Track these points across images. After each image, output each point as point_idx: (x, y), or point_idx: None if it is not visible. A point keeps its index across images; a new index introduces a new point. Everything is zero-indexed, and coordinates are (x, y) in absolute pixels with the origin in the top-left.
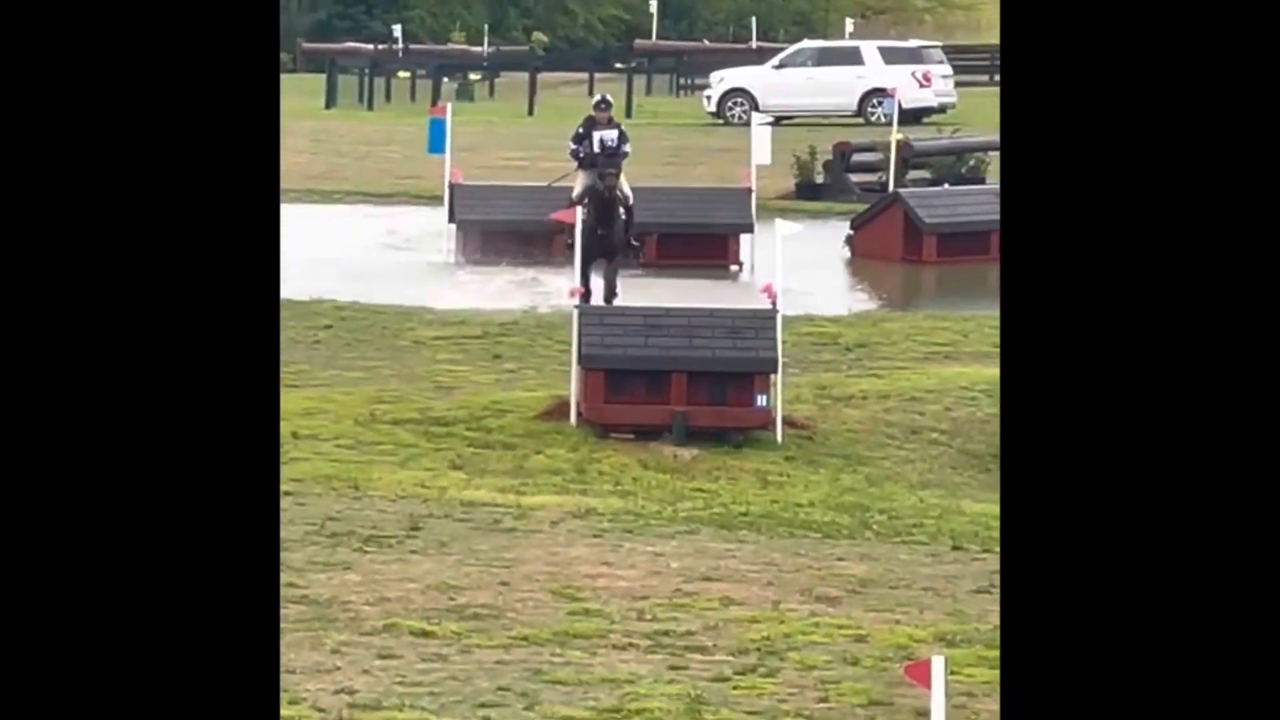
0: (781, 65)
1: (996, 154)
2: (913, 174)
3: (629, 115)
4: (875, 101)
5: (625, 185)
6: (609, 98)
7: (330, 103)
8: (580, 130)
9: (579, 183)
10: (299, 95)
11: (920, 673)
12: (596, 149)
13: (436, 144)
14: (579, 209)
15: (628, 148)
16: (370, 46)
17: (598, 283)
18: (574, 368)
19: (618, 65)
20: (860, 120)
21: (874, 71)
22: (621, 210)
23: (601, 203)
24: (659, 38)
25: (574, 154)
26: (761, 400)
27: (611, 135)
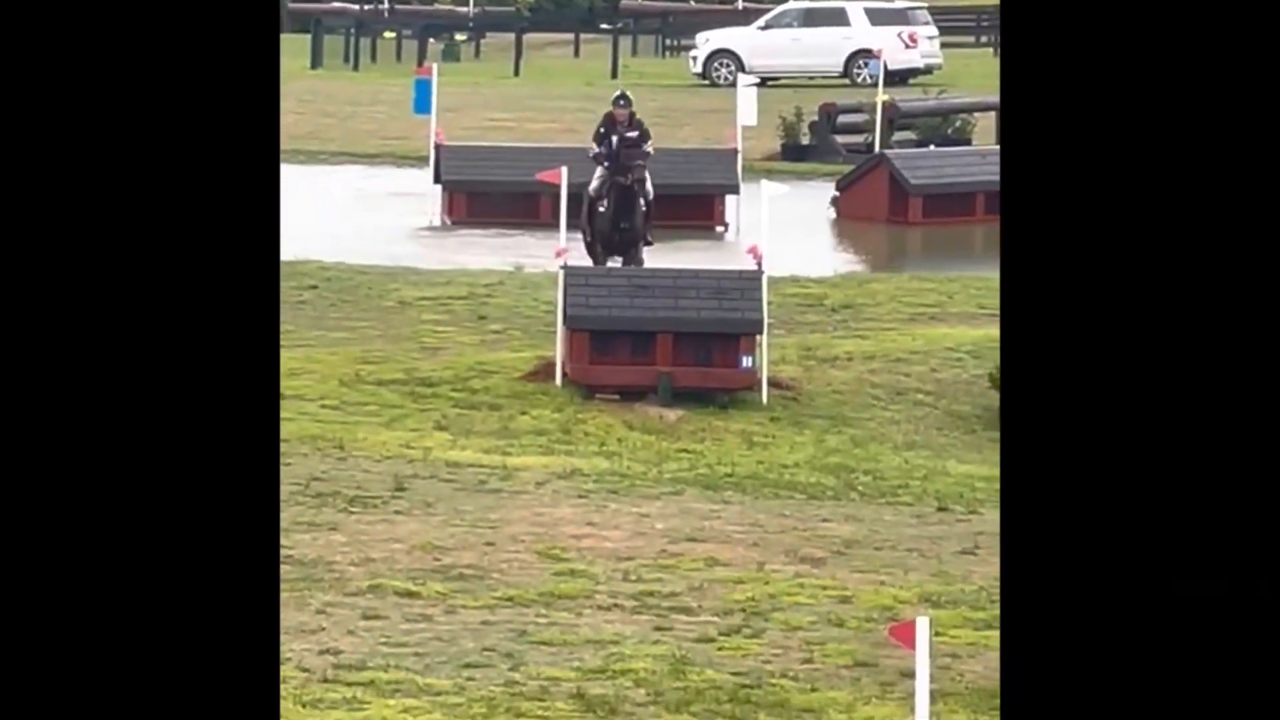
0: (767, 26)
1: (982, 115)
2: (898, 135)
3: (614, 76)
4: (861, 62)
5: (648, 180)
6: (628, 94)
7: (316, 63)
8: (601, 130)
9: (595, 176)
10: (285, 55)
11: (905, 634)
12: (615, 148)
13: (422, 104)
14: (563, 170)
15: (649, 148)
16: (356, 6)
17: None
18: (559, 328)
19: (603, 26)
20: (846, 81)
21: (860, 32)
22: (642, 203)
23: (623, 193)
24: None
25: (596, 157)
26: (747, 361)
27: (631, 136)
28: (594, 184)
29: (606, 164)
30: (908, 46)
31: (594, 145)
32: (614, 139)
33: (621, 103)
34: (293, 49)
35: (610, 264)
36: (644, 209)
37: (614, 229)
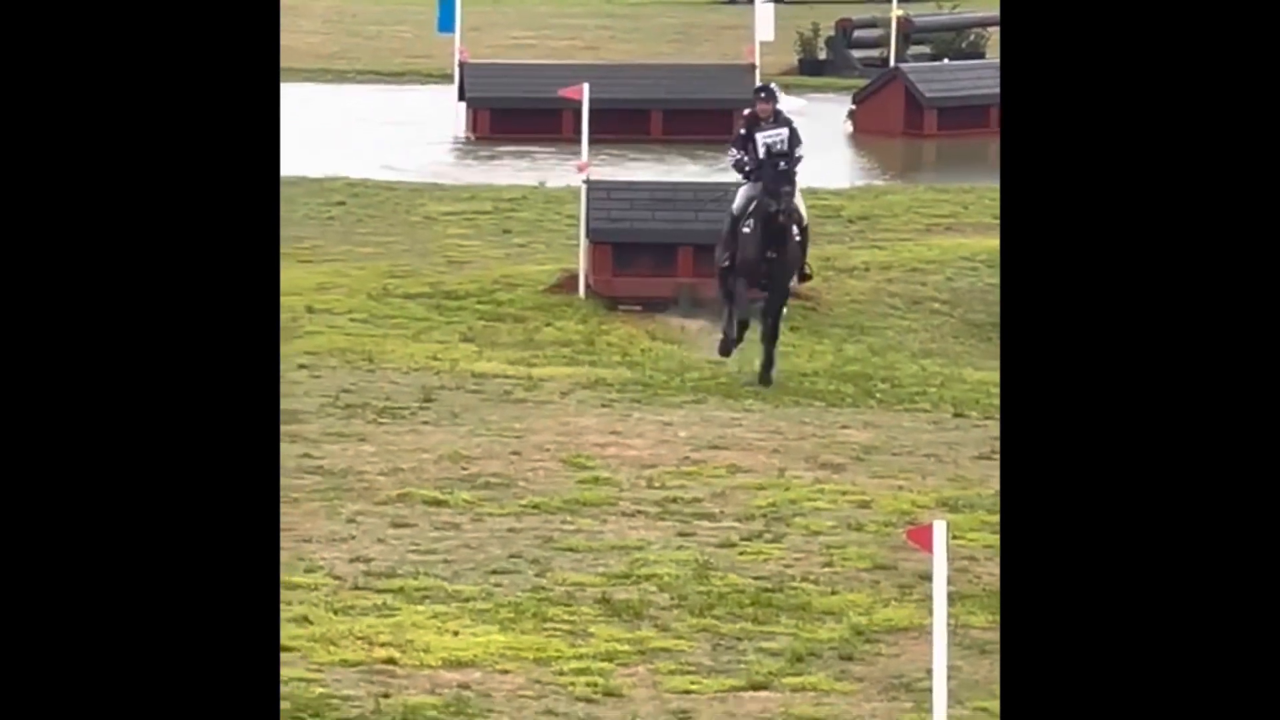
0: None
1: (995, 29)
2: (913, 50)
3: None
4: None
5: (801, 204)
6: (773, 86)
7: None
8: (742, 131)
9: (740, 194)
10: None
11: (922, 537)
12: (761, 154)
13: (446, 23)
14: (584, 86)
15: (801, 151)
16: None
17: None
18: (582, 242)
19: None
20: None
21: None
22: (796, 231)
23: (770, 219)
24: None
25: (737, 165)
26: None
27: (779, 136)
28: (737, 201)
29: (750, 174)
30: None
31: (733, 150)
32: (758, 139)
33: (763, 95)
34: None
35: (749, 296)
36: (798, 237)
37: (761, 257)
